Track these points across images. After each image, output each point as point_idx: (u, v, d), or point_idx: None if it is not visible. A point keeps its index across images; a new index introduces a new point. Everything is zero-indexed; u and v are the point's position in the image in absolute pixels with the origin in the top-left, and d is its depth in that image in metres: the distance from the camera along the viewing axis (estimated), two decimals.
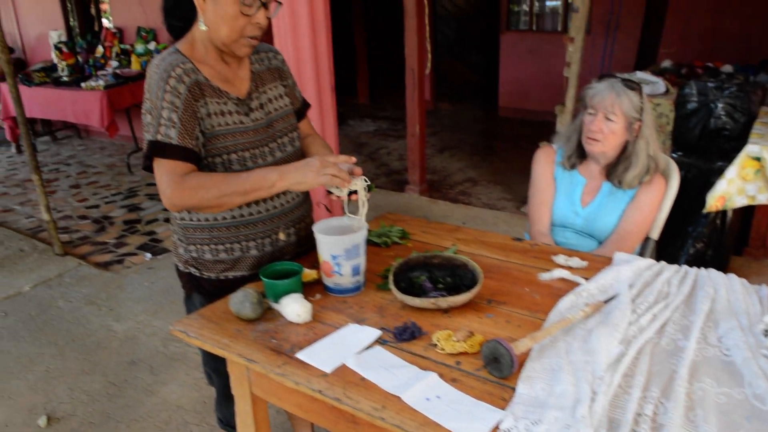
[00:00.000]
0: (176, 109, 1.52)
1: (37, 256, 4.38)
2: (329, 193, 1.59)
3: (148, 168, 1.58)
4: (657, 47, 6.16)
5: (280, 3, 1.61)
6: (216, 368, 1.88)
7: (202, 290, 1.77)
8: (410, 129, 4.92)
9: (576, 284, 1.63)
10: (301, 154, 1.81)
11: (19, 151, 7.30)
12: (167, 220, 4.92)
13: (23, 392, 2.93)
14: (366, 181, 1.57)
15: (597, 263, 1.75)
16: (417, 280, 1.57)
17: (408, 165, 5.11)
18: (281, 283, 1.54)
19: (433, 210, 4.79)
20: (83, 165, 6.65)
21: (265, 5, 1.54)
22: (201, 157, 1.59)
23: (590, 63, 5.60)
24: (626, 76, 2.14)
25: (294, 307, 1.46)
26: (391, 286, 1.47)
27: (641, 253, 2.34)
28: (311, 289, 1.64)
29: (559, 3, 7.16)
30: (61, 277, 4.06)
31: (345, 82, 8.66)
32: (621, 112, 2.06)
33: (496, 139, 6.73)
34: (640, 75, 4.55)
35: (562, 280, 1.66)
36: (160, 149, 1.53)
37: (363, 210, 1.59)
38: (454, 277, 1.58)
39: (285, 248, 1.79)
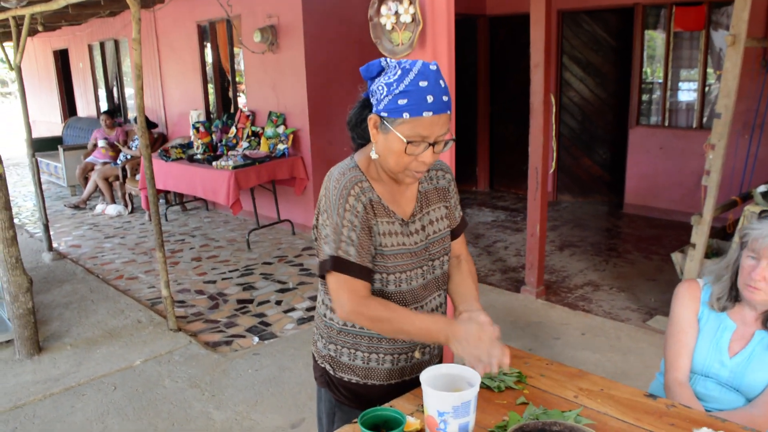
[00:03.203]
0: (354, 228, 1.58)
1: (152, 329, 4.51)
2: None
3: (323, 276, 1.66)
4: None
5: (454, 140, 1.60)
6: None
7: (333, 388, 1.80)
8: (530, 229, 4.72)
9: None
10: (447, 277, 1.82)
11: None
12: (279, 303, 4.95)
13: None
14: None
15: None
16: None
17: (526, 265, 4.88)
18: None
19: (551, 316, 4.51)
20: (207, 238, 6.93)
21: (432, 145, 1.54)
22: (374, 272, 1.64)
23: (731, 166, 5.20)
24: None
25: None
26: None
27: None
28: None
29: (695, 98, 6.80)
30: (171, 354, 4.13)
31: (464, 169, 8.64)
32: None
33: (621, 239, 6.35)
34: None
35: None
36: (341, 265, 1.59)
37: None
38: None
39: (417, 365, 1.77)
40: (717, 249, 4.28)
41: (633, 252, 5.88)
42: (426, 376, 1.46)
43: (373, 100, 1.59)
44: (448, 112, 1.54)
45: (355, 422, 1.54)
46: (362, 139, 1.70)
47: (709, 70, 6.60)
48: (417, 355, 1.75)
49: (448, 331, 1.57)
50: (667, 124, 7.00)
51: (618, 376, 3.60)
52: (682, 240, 4.23)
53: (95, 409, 3.52)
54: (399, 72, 1.52)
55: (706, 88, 6.64)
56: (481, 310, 1.65)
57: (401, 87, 1.50)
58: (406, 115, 1.50)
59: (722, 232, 4.64)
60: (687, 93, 7.00)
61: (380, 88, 1.54)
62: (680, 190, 6.72)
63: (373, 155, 1.61)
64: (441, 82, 1.52)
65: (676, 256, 4.19)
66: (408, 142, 1.51)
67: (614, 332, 4.23)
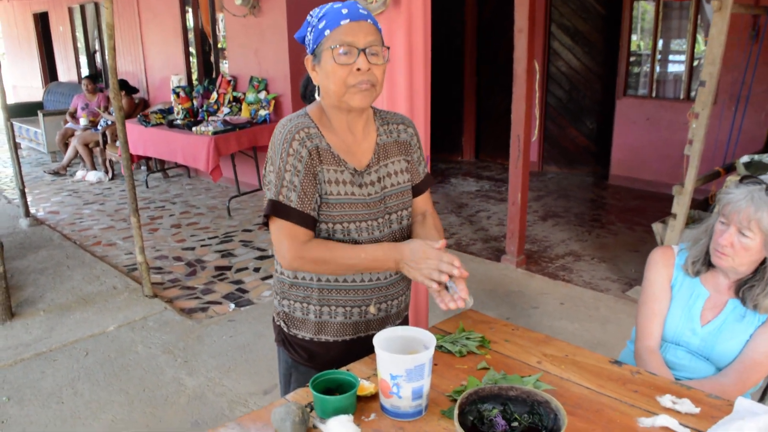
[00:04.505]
0: (298, 173, 1.54)
1: (128, 296, 4.45)
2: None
3: (266, 223, 1.62)
4: None
5: (388, 48, 1.59)
6: None
7: (288, 346, 1.76)
8: (511, 197, 4.67)
9: None
10: (408, 233, 1.74)
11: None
12: (257, 270, 4.89)
13: None
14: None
15: (713, 410, 1.44)
16: (488, 414, 1.33)
17: (507, 234, 4.83)
18: (332, 399, 1.35)
19: (530, 285, 4.48)
20: (187, 205, 6.84)
21: (363, 51, 1.51)
22: (318, 222, 1.59)
23: (715, 137, 5.14)
24: None
25: None
26: (455, 422, 1.24)
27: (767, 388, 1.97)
28: (367, 405, 1.44)
29: (683, 69, 6.72)
30: (145, 320, 4.08)
31: (450, 139, 8.55)
32: (758, 228, 1.73)
33: (605, 210, 6.32)
34: None
35: (667, 429, 1.36)
36: (281, 210, 1.55)
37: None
38: (532, 415, 1.32)
39: (372, 322, 1.71)
40: (698, 220, 4.25)
41: (616, 223, 5.85)
42: (380, 338, 1.40)
43: (308, 51, 1.62)
44: (369, 20, 1.55)
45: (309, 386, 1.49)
46: None
47: (698, 44, 6.51)
48: (372, 310, 1.69)
49: (396, 255, 1.54)
50: (654, 95, 6.93)
51: (595, 346, 3.58)
52: (666, 212, 4.18)
53: (66, 374, 3.47)
54: (317, 11, 1.59)
55: (695, 62, 6.56)
56: None
57: (319, 16, 1.56)
58: (327, 32, 1.53)
59: (705, 204, 4.60)
60: (675, 64, 6.92)
61: (308, 34, 1.60)
62: (666, 161, 6.68)
63: (317, 96, 1.61)
64: (358, 5, 1.57)
65: (656, 227, 4.15)
66: (332, 48, 1.51)
67: (593, 302, 4.20)
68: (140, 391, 3.30)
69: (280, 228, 1.56)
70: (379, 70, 1.55)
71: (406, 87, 2.70)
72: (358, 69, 1.51)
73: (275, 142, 1.58)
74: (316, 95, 1.64)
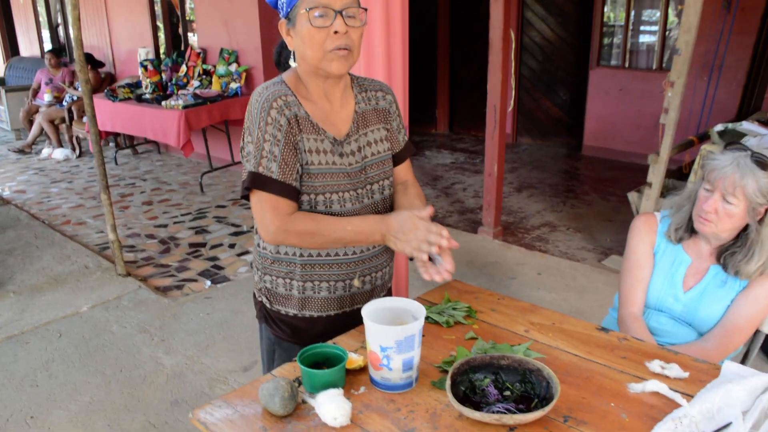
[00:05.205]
0: (278, 143, 1.49)
1: (100, 275, 4.36)
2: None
3: (246, 197, 1.55)
4: (764, 92, 5.68)
5: (365, 9, 1.52)
6: None
7: (270, 322, 1.72)
8: (488, 168, 4.65)
9: (674, 404, 1.33)
10: (390, 203, 1.70)
11: None
12: (232, 246, 4.83)
13: (63, 425, 2.83)
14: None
15: (701, 374, 1.44)
16: (480, 384, 1.31)
17: (483, 205, 4.83)
18: (320, 373, 1.32)
19: (507, 256, 4.49)
20: (158, 181, 6.70)
21: (340, 13, 1.46)
22: (300, 193, 1.54)
23: (688, 108, 5.17)
24: (755, 146, 1.81)
25: (330, 408, 1.23)
26: (448, 392, 1.22)
27: (749, 349, 2.00)
28: (357, 378, 1.41)
29: (655, 39, 6.73)
30: (119, 299, 4.00)
31: (424, 111, 8.49)
32: (743, 195, 1.73)
33: (579, 180, 6.35)
34: (746, 125, 4.13)
35: (657, 394, 1.36)
36: (262, 182, 1.48)
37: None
38: (524, 383, 1.31)
39: (357, 295, 1.67)
40: (673, 188, 4.28)
41: (590, 193, 5.89)
42: (368, 310, 1.37)
43: (281, 15, 1.55)
44: None
45: (296, 360, 1.46)
46: None
47: (672, 16, 6.52)
48: (356, 283, 1.65)
49: (382, 227, 1.49)
50: (627, 65, 6.95)
51: (573, 315, 3.57)
52: (640, 181, 4.22)
53: (39, 356, 3.39)
54: None
55: (667, 32, 6.57)
56: None
57: None
58: None
59: (678, 173, 4.65)
60: (648, 35, 6.93)
61: None
62: (638, 132, 6.72)
63: (293, 63, 1.55)
64: None
65: (632, 196, 4.18)
66: (308, 10, 1.45)
67: (570, 272, 4.23)
68: (117, 372, 3.24)
69: (261, 201, 1.50)
70: (357, 33, 1.50)
71: (384, 54, 2.65)
72: (336, 32, 1.46)
73: (252, 111, 1.52)
74: (291, 62, 1.59)
